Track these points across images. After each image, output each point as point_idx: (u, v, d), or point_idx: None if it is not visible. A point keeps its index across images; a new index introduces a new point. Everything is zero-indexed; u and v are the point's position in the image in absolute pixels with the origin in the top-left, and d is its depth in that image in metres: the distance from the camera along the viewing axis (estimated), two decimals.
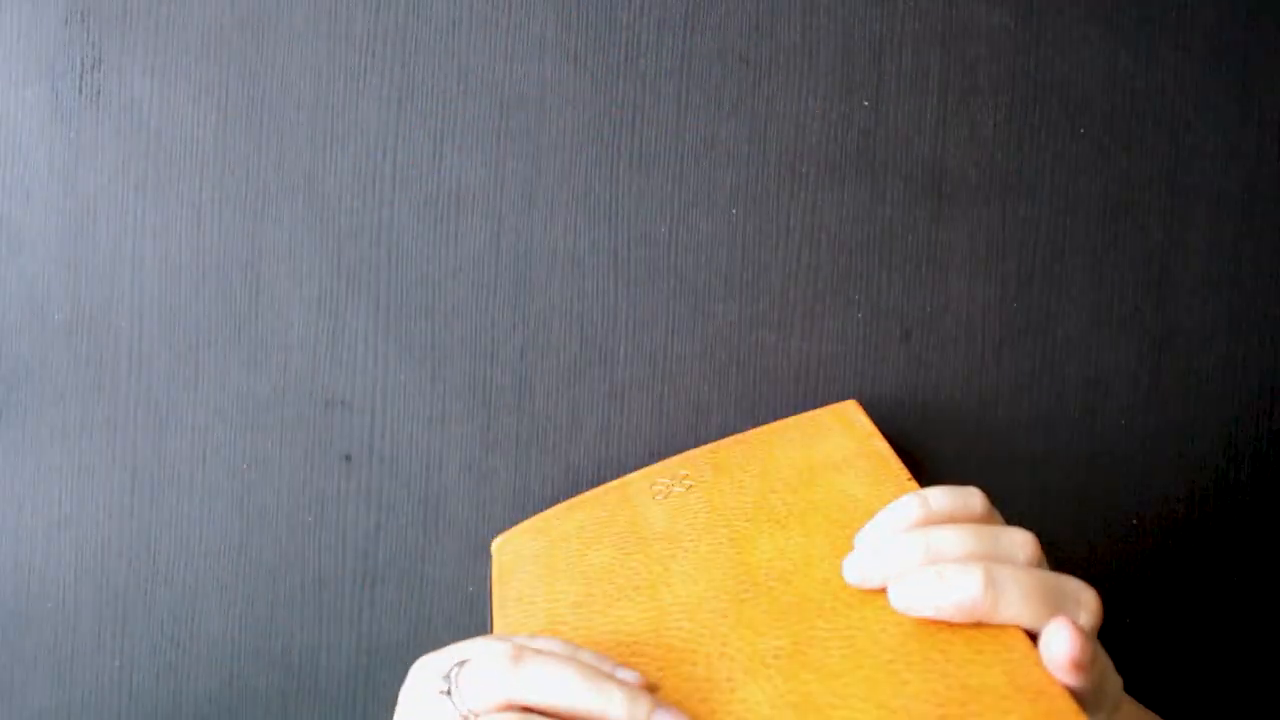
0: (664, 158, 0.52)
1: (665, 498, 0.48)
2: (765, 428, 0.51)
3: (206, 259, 0.52)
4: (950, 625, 0.34)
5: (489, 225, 0.52)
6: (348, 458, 0.53)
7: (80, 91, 0.52)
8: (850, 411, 0.50)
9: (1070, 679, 0.32)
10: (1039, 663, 0.33)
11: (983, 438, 0.53)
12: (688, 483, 0.48)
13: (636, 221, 0.53)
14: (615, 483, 0.51)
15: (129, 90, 0.52)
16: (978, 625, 0.34)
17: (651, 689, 0.35)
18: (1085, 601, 0.34)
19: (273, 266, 0.52)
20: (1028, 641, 0.33)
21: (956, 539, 0.35)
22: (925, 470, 0.52)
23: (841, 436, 0.48)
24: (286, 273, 0.52)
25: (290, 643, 0.53)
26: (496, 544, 0.50)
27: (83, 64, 0.52)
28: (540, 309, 0.53)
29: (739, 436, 0.51)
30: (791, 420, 0.51)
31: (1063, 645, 0.32)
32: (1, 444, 0.52)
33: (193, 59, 0.52)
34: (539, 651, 0.34)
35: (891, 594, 0.35)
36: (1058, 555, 0.52)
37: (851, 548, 0.38)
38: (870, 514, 0.39)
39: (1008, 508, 0.52)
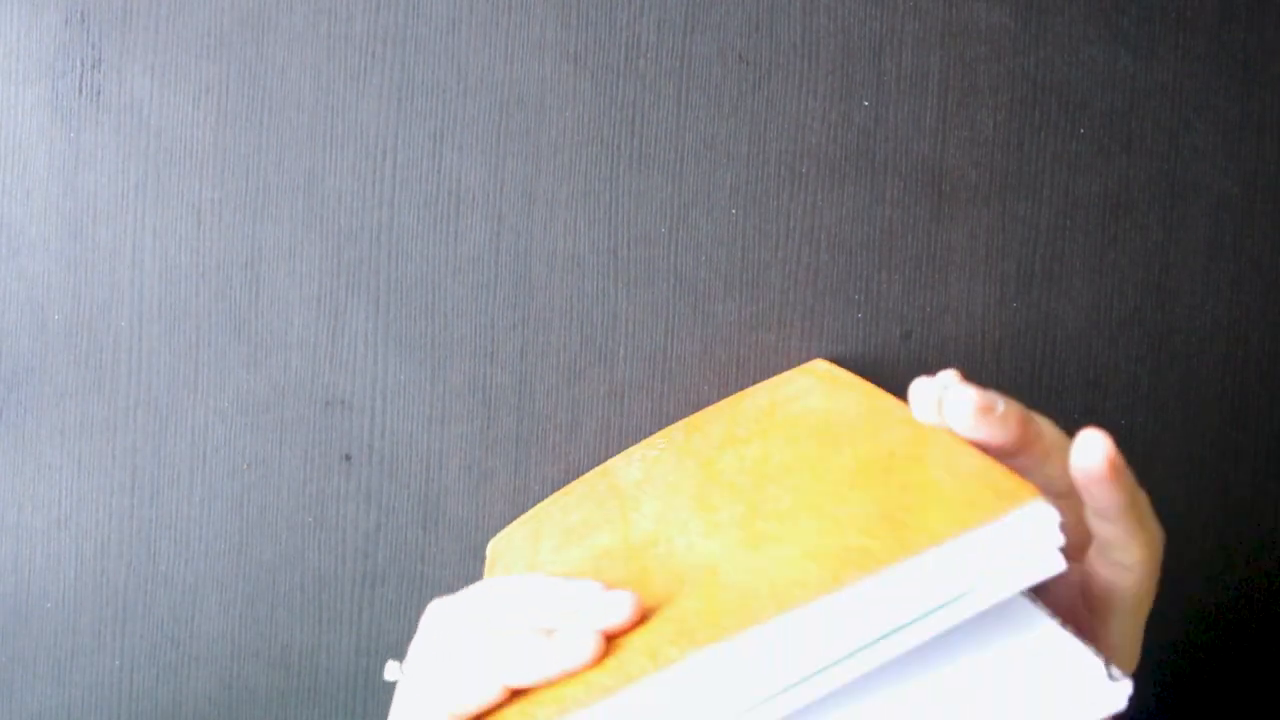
0: (664, 158, 0.52)
1: (641, 460, 0.49)
2: (736, 394, 0.52)
3: (206, 259, 0.52)
4: (893, 456, 0.36)
5: (489, 225, 0.52)
6: (348, 458, 0.53)
7: (80, 91, 0.52)
8: (817, 365, 0.50)
9: (1108, 486, 0.32)
10: (978, 453, 0.34)
11: None
12: (661, 444, 0.49)
13: (636, 221, 0.53)
14: (599, 467, 0.51)
15: (129, 90, 0.52)
16: (919, 443, 0.36)
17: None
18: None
19: (273, 266, 0.52)
20: (966, 443, 0.35)
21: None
22: None
23: (805, 379, 0.49)
24: (286, 273, 0.52)
25: (290, 643, 0.53)
26: (491, 544, 0.51)
27: (83, 64, 0.52)
28: (540, 309, 0.53)
29: (712, 405, 0.51)
30: (761, 383, 0.51)
31: (1097, 446, 0.32)
32: (1, 444, 0.52)
33: (193, 59, 0.52)
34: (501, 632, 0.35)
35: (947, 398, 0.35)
36: None
37: (810, 446, 0.40)
38: (829, 419, 0.40)
39: None
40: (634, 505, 0.44)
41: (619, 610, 0.34)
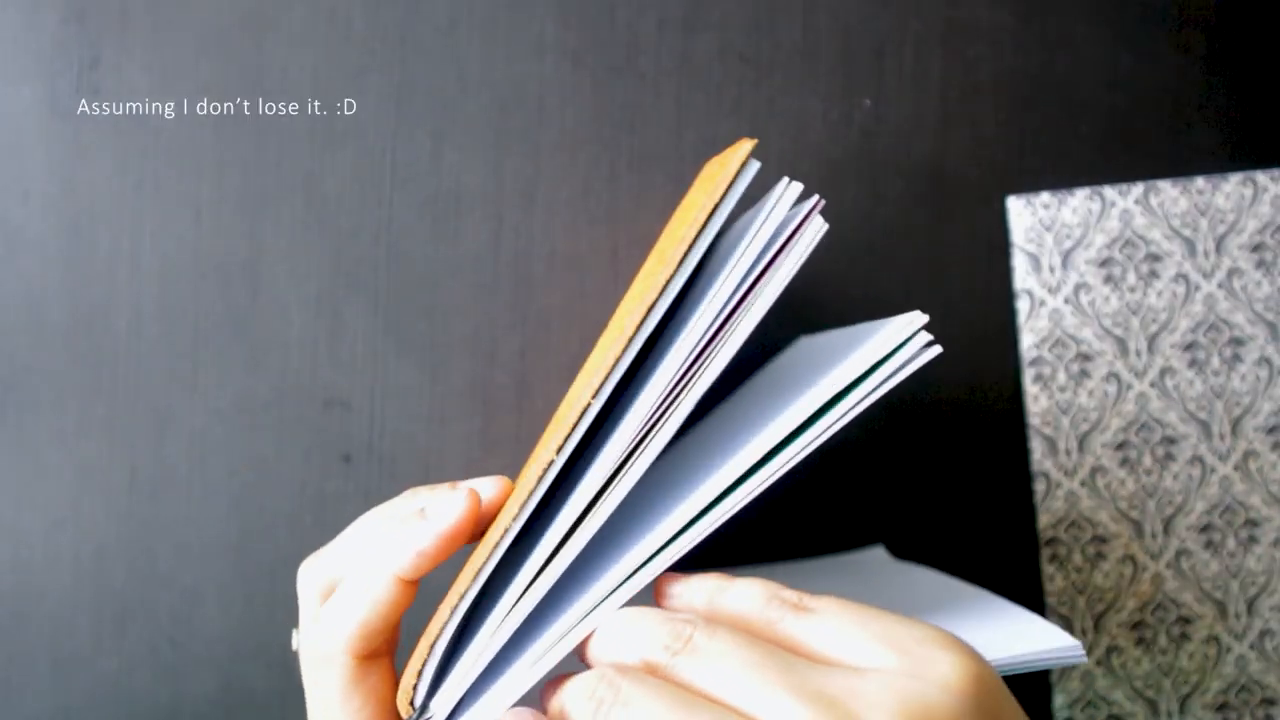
0: (664, 158, 0.52)
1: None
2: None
3: (206, 259, 0.52)
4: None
5: (489, 225, 0.52)
6: (347, 458, 0.53)
7: (78, 91, 0.52)
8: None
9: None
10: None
11: (983, 438, 0.53)
12: None
13: (636, 221, 0.52)
14: None
15: (127, 89, 0.52)
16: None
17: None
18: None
19: (273, 266, 0.52)
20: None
21: None
22: (925, 469, 0.52)
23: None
24: (286, 273, 0.52)
25: (289, 643, 0.52)
26: None
27: (81, 63, 0.52)
28: (540, 309, 0.53)
29: None
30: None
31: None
32: (0, 444, 0.52)
33: (191, 58, 0.52)
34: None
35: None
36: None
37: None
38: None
39: (1009, 510, 0.52)
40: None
41: (483, 484, 0.32)
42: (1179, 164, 0.52)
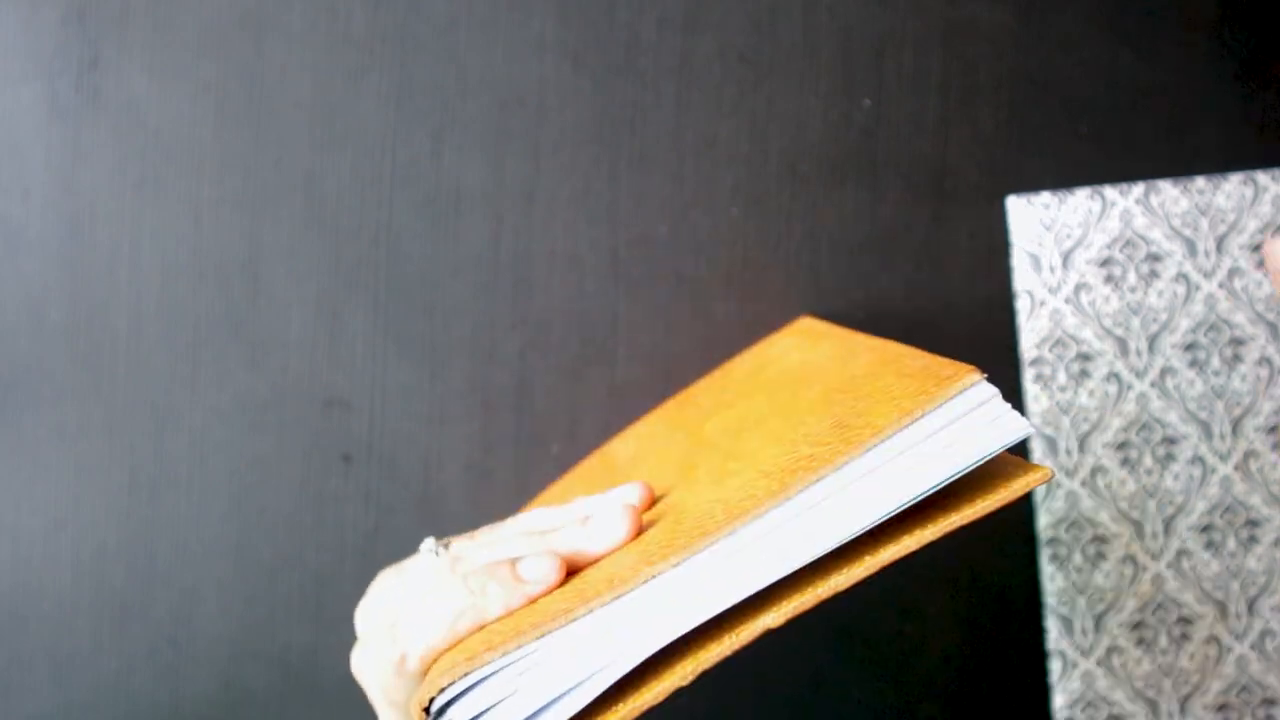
0: (664, 158, 0.52)
1: (635, 437, 0.49)
2: (726, 363, 0.52)
3: (206, 259, 0.52)
4: (854, 379, 0.37)
5: (489, 225, 0.52)
6: (347, 458, 0.53)
7: (78, 91, 0.52)
8: (801, 321, 0.50)
9: None
10: (925, 353, 0.36)
11: None
12: (655, 419, 0.50)
13: (636, 221, 0.52)
14: (601, 448, 0.52)
15: (127, 89, 0.52)
16: (881, 363, 0.37)
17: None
18: None
19: (272, 266, 0.52)
20: (918, 350, 0.37)
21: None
22: None
23: (789, 337, 0.49)
24: (286, 273, 0.52)
25: (290, 643, 0.53)
26: None
27: (80, 63, 0.52)
28: (540, 309, 0.53)
29: (705, 376, 0.52)
30: (750, 347, 0.51)
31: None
32: (0, 444, 0.52)
33: (191, 58, 0.52)
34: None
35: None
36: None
37: (785, 394, 0.41)
38: (806, 367, 0.41)
39: (1007, 508, 0.52)
40: (622, 473, 0.44)
41: (629, 502, 0.36)
42: (1179, 164, 0.52)
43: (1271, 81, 0.53)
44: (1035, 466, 0.32)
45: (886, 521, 0.30)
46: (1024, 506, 0.52)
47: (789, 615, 0.30)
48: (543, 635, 0.30)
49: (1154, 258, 0.51)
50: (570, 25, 0.52)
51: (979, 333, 0.52)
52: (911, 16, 0.52)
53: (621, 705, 0.30)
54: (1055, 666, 0.51)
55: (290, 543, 0.52)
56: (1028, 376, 0.51)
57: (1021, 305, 0.52)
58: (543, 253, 0.52)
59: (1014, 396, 0.52)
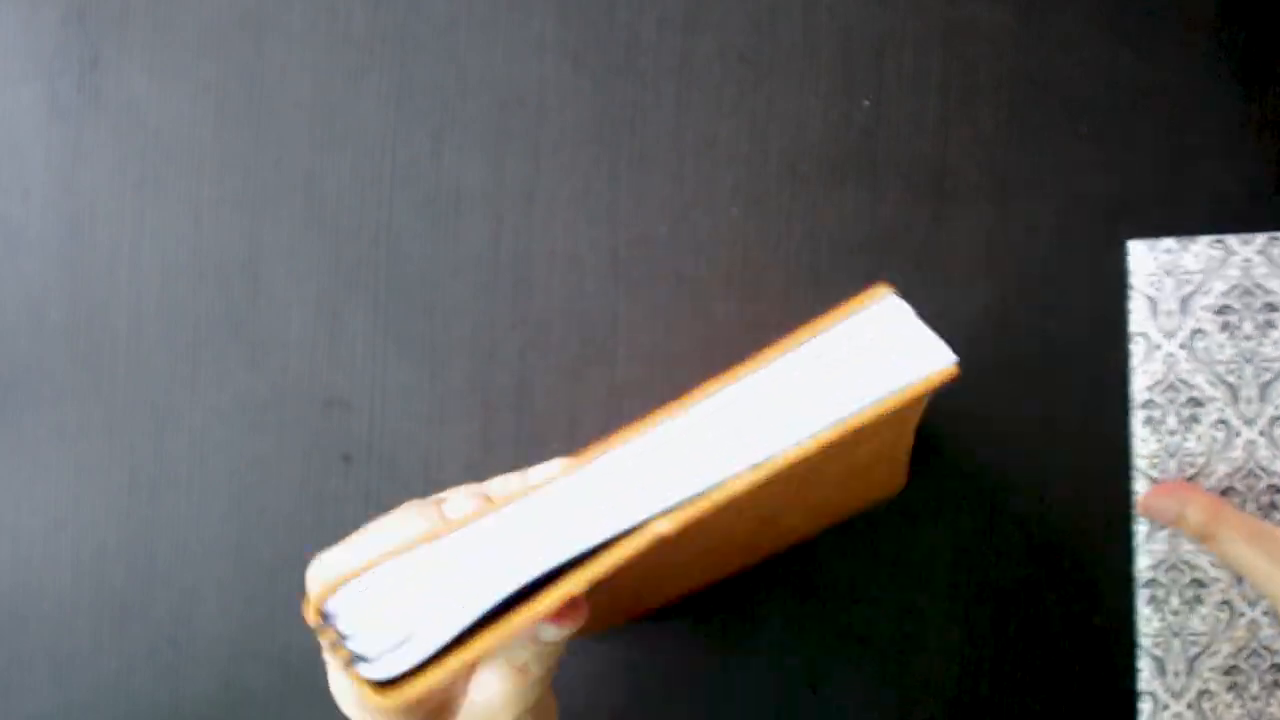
0: (664, 158, 0.52)
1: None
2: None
3: (206, 259, 0.52)
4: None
5: (489, 225, 0.52)
6: (348, 458, 0.53)
7: (78, 91, 0.52)
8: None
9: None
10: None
11: (982, 438, 0.53)
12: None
13: (636, 221, 0.52)
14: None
15: (127, 89, 0.52)
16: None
17: None
18: None
19: (272, 266, 0.52)
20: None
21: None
22: (923, 469, 0.52)
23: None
24: (286, 273, 0.52)
25: (290, 643, 0.53)
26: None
27: (81, 63, 0.52)
28: (540, 309, 0.53)
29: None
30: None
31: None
32: (0, 444, 0.52)
33: (191, 58, 0.52)
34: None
35: None
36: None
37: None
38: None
39: (1008, 507, 0.52)
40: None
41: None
42: (1179, 163, 0.52)
43: (1271, 81, 0.53)
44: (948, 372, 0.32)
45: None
46: (1124, 547, 0.51)
47: (682, 522, 0.30)
48: (438, 539, 0.30)
49: (1271, 308, 0.51)
50: (570, 25, 0.52)
51: (979, 332, 0.52)
52: (911, 16, 0.52)
53: (515, 616, 0.29)
54: (1145, 707, 0.51)
55: (290, 543, 0.52)
56: (1138, 419, 0.51)
57: (1136, 348, 0.51)
58: (543, 253, 0.52)
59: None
